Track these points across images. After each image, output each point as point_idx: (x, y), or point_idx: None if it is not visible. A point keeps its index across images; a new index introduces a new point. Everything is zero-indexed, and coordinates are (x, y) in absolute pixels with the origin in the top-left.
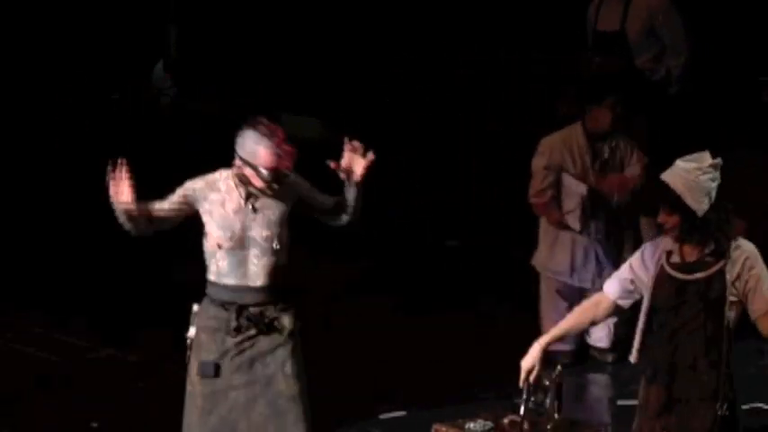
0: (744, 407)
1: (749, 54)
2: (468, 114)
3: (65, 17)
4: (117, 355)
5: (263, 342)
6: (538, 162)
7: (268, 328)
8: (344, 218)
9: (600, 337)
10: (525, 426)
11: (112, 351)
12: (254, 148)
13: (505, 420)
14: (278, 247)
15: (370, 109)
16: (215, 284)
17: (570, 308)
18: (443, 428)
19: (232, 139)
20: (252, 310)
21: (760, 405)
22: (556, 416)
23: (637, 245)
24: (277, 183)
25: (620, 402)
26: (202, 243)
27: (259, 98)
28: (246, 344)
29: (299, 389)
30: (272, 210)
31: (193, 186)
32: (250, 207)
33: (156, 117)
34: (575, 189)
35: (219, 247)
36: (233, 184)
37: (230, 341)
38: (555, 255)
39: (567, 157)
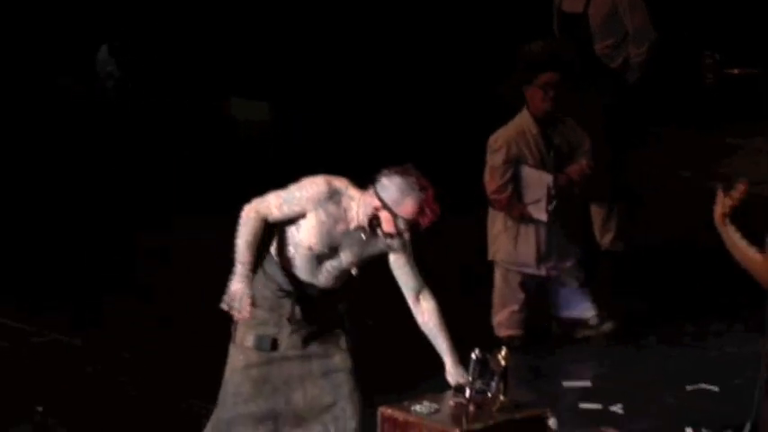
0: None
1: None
2: None
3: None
4: (62, 340)
5: (321, 322)
6: (495, 158)
7: (320, 323)
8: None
9: (585, 306)
10: (471, 408)
11: (57, 335)
12: (402, 197)
13: (451, 402)
14: (355, 273)
15: (320, 91)
16: (281, 269)
17: (529, 298)
18: (389, 411)
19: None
20: (310, 302)
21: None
22: (501, 398)
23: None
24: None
25: (565, 384)
26: (283, 220)
27: (207, 81)
28: (303, 323)
29: (353, 363)
30: (372, 249)
31: (318, 193)
32: (357, 236)
33: (102, 101)
34: (538, 179)
35: (310, 249)
36: (356, 214)
37: (286, 321)
38: (519, 247)
39: (523, 149)
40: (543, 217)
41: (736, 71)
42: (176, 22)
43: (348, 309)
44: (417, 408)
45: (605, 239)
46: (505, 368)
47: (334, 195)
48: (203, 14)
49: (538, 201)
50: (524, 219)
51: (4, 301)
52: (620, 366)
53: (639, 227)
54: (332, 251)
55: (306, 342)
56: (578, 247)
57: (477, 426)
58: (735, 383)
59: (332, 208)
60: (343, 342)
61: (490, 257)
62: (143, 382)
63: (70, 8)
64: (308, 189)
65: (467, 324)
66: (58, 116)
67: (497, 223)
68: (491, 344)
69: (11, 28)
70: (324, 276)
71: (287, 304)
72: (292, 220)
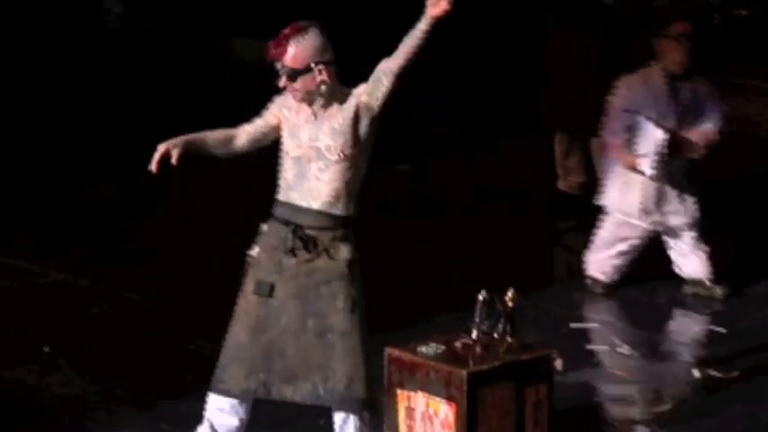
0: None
1: None
2: None
3: None
4: (68, 280)
5: (319, 270)
6: (616, 102)
7: (320, 254)
8: (397, 57)
9: (698, 266)
10: (477, 349)
11: (64, 276)
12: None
13: (457, 343)
14: (340, 158)
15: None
16: (280, 201)
17: (628, 249)
18: (396, 352)
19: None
20: (307, 232)
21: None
22: (508, 339)
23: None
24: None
25: (572, 325)
26: (256, 131)
27: (209, 19)
28: (303, 268)
29: (351, 324)
30: (336, 118)
31: (278, 101)
32: (317, 117)
33: (105, 36)
34: (652, 133)
35: (287, 154)
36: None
37: (287, 261)
38: (624, 196)
39: (645, 99)
40: (650, 172)
41: (743, 12)
42: None
43: (357, 259)
44: (423, 349)
45: (566, 180)
46: (512, 309)
47: (287, 97)
48: None
49: (647, 154)
50: (634, 169)
51: (11, 242)
52: (630, 312)
53: None
54: (307, 150)
55: (305, 291)
56: (695, 206)
57: (484, 366)
58: (742, 326)
59: (289, 103)
60: (341, 301)
61: (599, 201)
62: (150, 324)
63: None
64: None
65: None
66: (59, 50)
67: (606, 167)
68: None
69: None
70: (315, 187)
71: (288, 238)
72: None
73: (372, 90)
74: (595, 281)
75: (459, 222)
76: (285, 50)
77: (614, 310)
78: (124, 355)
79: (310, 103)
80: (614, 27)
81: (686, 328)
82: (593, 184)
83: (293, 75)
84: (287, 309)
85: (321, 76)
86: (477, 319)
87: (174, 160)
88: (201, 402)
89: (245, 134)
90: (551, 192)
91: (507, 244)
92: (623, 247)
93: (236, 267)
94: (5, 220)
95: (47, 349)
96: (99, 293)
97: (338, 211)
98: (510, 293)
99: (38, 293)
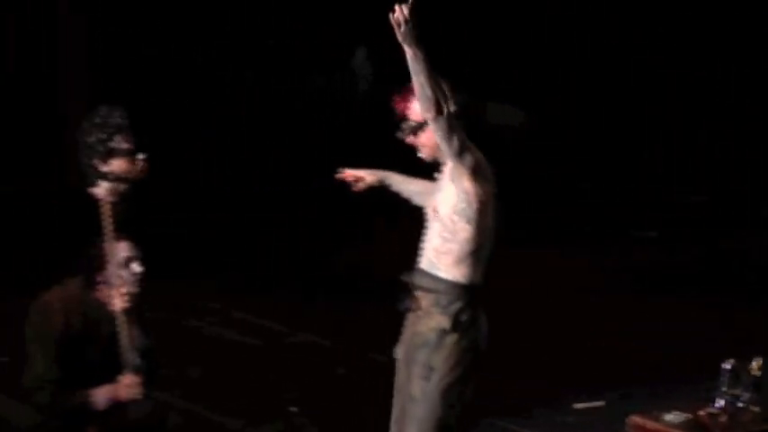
0: None
1: None
2: None
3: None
4: (315, 341)
5: (417, 333)
6: None
7: (420, 318)
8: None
9: None
10: (723, 418)
11: (311, 336)
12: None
13: (702, 412)
14: (435, 215)
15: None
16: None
17: None
18: (640, 420)
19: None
20: (416, 292)
21: None
22: (755, 409)
23: None
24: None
25: None
26: None
27: (462, 85)
28: (411, 329)
29: (422, 393)
30: (445, 176)
31: None
32: (439, 174)
33: (353, 102)
34: None
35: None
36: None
37: (407, 321)
38: None
39: None
40: None
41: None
42: (440, 24)
43: (453, 329)
44: (668, 417)
45: None
46: (758, 378)
47: None
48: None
49: None
50: None
51: (261, 302)
52: None
53: None
54: (431, 213)
55: (406, 356)
56: None
57: None
58: None
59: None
60: (419, 368)
61: None
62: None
63: (327, 9)
64: None
65: None
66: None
67: None
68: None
69: (270, 27)
70: (425, 249)
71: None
72: None
73: (444, 149)
74: None
75: (702, 292)
76: (410, 104)
77: None
78: (368, 418)
79: (441, 161)
80: None
81: None
82: None
83: (417, 129)
84: (400, 370)
85: None
86: (723, 388)
87: (359, 186)
88: None
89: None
90: None
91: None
92: None
93: None
94: (262, 285)
95: (293, 409)
96: (345, 354)
97: (440, 273)
98: (756, 362)
99: (286, 353)
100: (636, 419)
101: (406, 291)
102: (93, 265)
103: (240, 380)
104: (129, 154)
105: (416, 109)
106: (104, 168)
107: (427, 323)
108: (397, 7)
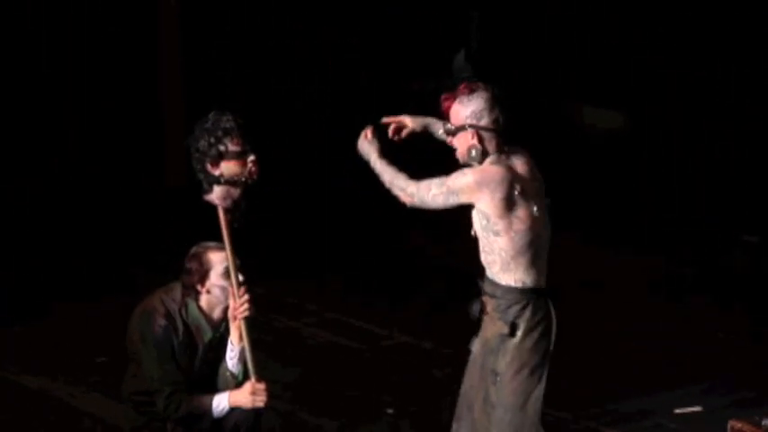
0: None
1: None
2: None
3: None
4: (411, 342)
5: (486, 340)
6: None
7: (484, 322)
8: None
9: None
10: None
11: (408, 338)
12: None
13: None
14: (480, 241)
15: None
16: None
17: None
18: (740, 425)
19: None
20: (482, 297)
21: None
22: None
23: None
24: None
25: None
26: None
27: (559, 88)
28: (480, 333)
29: (498, 397)
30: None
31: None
32: None
33: None
34: None
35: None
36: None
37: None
38: None
39: None
40: None
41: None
42: (534, 25)
43: (511, 333)
44: None
45: None
46: None
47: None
48: (555, 18)
49: None
50: None
51: (361, 307)
52: None
53: None
54: None
55: (475, 358)
56: None
57: None
58: None
59: None
60: (475, 377)
61: None
62: None
63: (426, 12)
64: None
65: None
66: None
67: None
68: None
69: (371, 31)
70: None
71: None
72: None
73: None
74: None
75: None
76: (450, 106)
77: None
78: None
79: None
80: None
81: None
82: None
83: (452, 132)
84: (470, 372)
85: (472, 140)
86: None
87: (402, 134)
88: None
89: None
90: None
91: None
92: None
93: None
94: (361, 290)
95: (390, 411)
96: (442, 356)
97: (495, 278)
98: None
99: (383, 355)
100: (736, 424)
101: (477, 295)
102: (196, 272)
103: (337, 382)
104: (240, 156)
105: (455, 112)
106: (216, 172)
107: (491, 329)
108: (368, 128)
